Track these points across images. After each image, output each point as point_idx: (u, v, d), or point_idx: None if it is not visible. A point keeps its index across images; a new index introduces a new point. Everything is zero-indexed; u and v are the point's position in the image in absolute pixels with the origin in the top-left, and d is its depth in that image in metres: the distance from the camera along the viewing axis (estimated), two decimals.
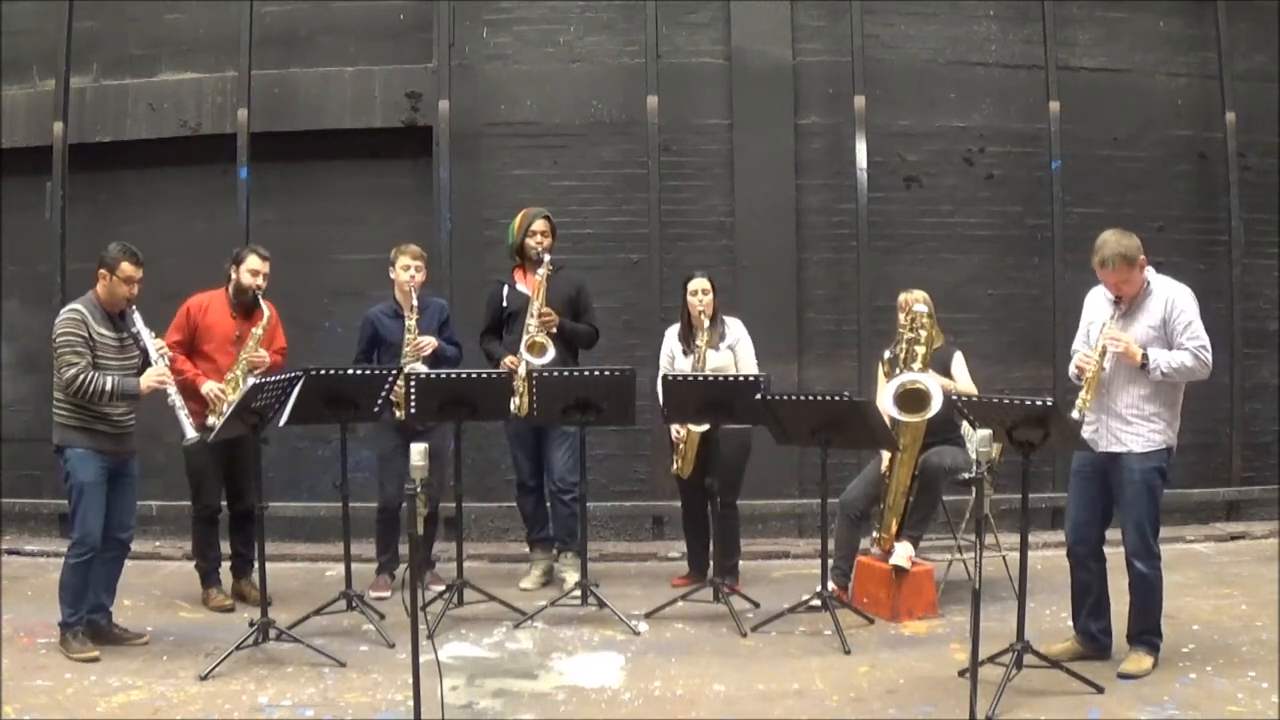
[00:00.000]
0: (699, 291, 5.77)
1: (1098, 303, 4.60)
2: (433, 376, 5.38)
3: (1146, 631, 4.48)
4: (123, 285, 4.81)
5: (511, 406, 5.63)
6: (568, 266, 6.22)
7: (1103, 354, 4.41)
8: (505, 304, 6.03)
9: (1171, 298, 4.41)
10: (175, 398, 4.80)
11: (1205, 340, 4.34)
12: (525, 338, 5.79)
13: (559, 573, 6.06)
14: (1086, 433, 4.51)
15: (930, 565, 5.51)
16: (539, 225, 5.99)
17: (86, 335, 4.74)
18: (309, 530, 7.10)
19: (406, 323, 5.75)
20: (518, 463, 6.11)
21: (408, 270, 5.80)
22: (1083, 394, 4.38)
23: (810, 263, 7.29)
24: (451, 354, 5.93)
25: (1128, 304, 4.46)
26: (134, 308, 4.87)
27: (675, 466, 5.87)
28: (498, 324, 6.07)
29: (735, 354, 5.79)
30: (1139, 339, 4.39)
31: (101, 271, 4.83)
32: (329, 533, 6.70)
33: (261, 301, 5.58)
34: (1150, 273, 4.48)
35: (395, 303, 5.90)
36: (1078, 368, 4.49)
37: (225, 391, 5.39)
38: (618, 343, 6.99)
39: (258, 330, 5.53)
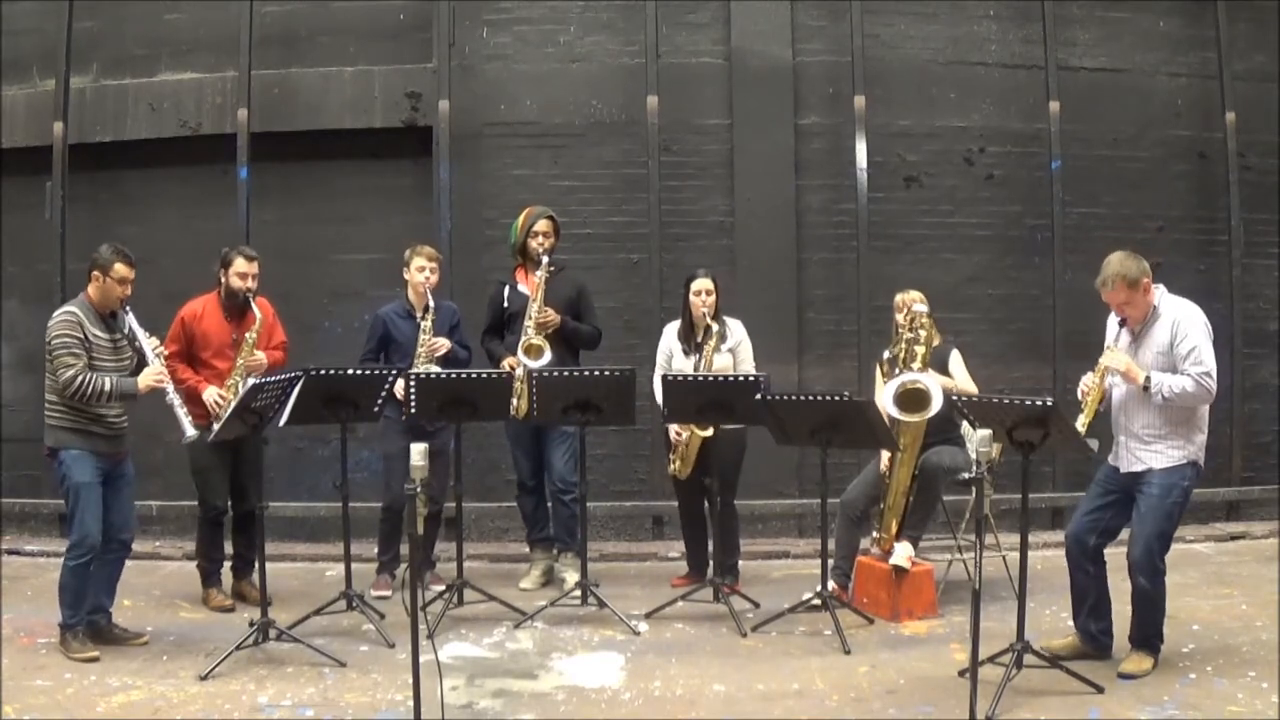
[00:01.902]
0: (702, 292, 5.74)
1: (1114, 325, 4.55)
2: (432, 376, 5.38)
3: (1149, 636, 4.48)
4: (116, 286, 4.81)
5: (510, 408, 5.63)
6: (569, 267, 6.22)
7: (1103, 377, 4.41)
8: (506, 304, 6.02)
9: (1177, 321, 4.34)
10: (173, 396, 4.79)
11: (1209, 366, 4.28)
12: (522, 340, 5.78)
13: (559, 573, 6.06)
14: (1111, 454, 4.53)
15: (930, 565, 5.51)
16: (541, 226, 5.97)
17: (82, 336, 4.73)
18: (309, 530, 7.10)
19: (421, 324, 5.74)
20: (518, 463, 6.11)
21: (423, 271, 5.78)
22: (1082, 417, 4.37)
23: (810, 263, 7.29)
24: (464, 357, 5.92)
25: (1133, 326, 4.44)
26: (127, 308, 4.87)
27: (673, 467, 5.86)
28: (499, 324, 6.06)
29: (735, 356, 5.77)
30: (1146, 364, 4.36)
31: (94, 273, 4.82)
32: (329, 533, 6.70)
33: (253, 303, 5.54)
34: (1161, 294, 4.43)
35: (407, 303, 5.88)
36: (1081, 392, 4.47)
37: (225, 398, 5.36)
38: (618, 343, 6.99)
39: (251, 335, 5.50)
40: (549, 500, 6.11)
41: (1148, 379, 4.30)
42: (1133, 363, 4.36)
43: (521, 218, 6.05)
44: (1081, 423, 4.36)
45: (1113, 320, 4.53)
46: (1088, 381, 4.46)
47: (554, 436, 5.95)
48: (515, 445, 6.08)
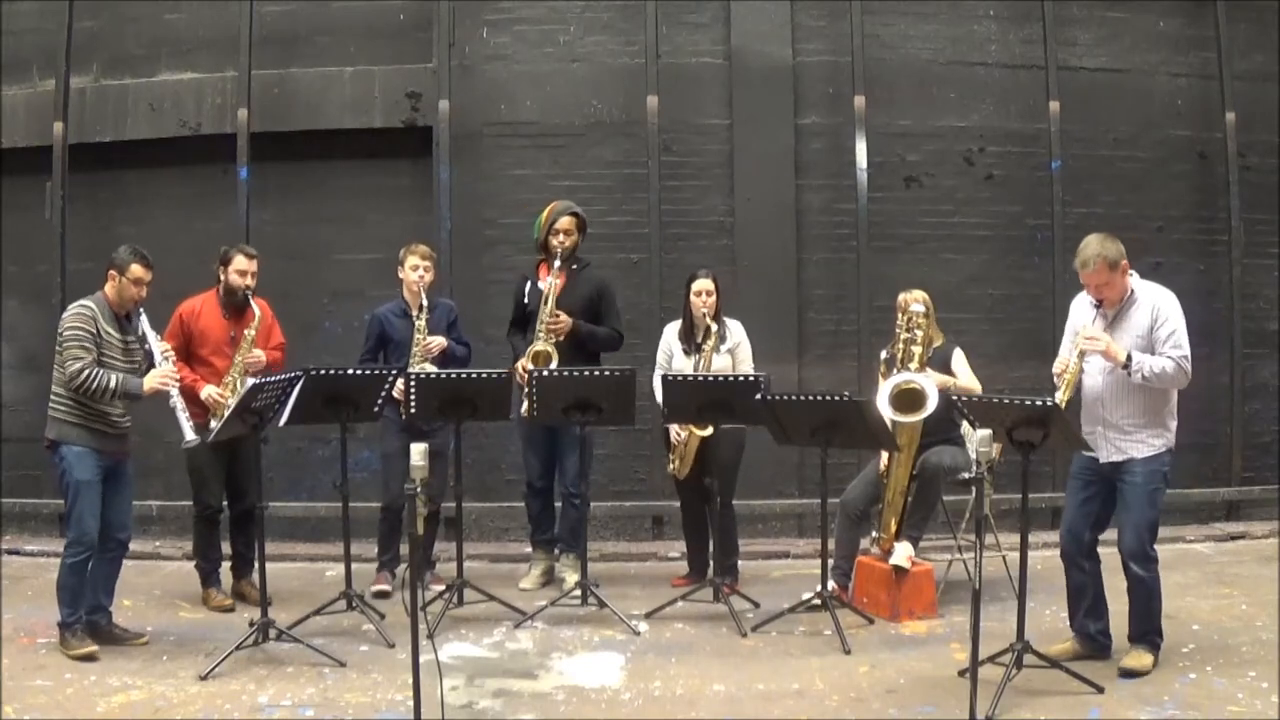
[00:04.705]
0: (703, 292, 5.73)
1: (1081, 309, 4.61)
2: (432, 376, 5.37)
3: (1148, 632, 4.50)
4: (132, 287, 4.82)
5: (523, 410, 5.62)
6: (592, 265, 6.15)
7: (1081, 356, 4.43)
8: (526, 300, 6.00)
9: (1156, 306, 4.43)
10: (177, 399, 4.80)
11: (1187, 350, 4.38)
12: (530, 346, 5.76)
13: (559, 573, 6.05)
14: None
15: (930, 565, 5.51)
16: (563, 223, 5.89)
17: (94, 331, 4.75)
18: (309, 530, 7.10)
19: (415, 323, 5.72)
20: (528, 463, 6.08)
21: (416, 270, 5.77)
22: (1059, 394, 4.40)
23: (810, 263, 7.29)
24: (461, 354, 5.88)
25: (1109, 309, 4.48)
26: (141, 310, 4.88)
27: (672, 467, 5.86)
28: (521, 318, 6.04)
29: (735, 357, 5.77)
30: (1124, 347, 4.40)
31: (111, 272, 4.84)
32: (329, 533, 6.70)
33: (252, 301, 5.54)
34: (1135, 280, 4.50)
35: (403, 302, 5.87)
36: (1056, 372, 4.52)
37: (224, 396, 5.37)
38: None
39: (250, 332, 5.51)
40: (559, 502, 6.09)
41: (1129, 358, 4.34)
42: (1112, 341, 4.41)
43: (545, 213, 5.97)
44: (1061, 399, 4.38)
45: (1080, 303, 4.60)
46: (1063, 362, 4.49)
47: (567, 440, 5.89)
48: (527, 446, 6.05)
